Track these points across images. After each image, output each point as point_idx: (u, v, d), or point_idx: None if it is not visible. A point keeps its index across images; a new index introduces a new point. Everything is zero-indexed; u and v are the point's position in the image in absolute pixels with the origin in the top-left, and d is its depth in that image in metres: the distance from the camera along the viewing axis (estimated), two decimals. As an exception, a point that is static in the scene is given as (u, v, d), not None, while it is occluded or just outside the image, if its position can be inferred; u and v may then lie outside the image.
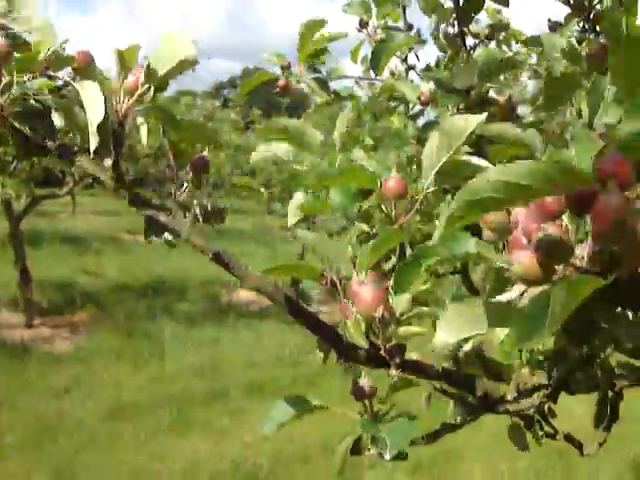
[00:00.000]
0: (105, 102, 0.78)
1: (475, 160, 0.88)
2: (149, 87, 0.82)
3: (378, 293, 0.80)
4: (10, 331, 6.57)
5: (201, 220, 0.88)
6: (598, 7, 1.42)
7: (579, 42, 1.37)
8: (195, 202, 0.87)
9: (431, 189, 0.90)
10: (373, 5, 1.81)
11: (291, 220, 1.15)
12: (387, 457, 0.81)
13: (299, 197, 1.11)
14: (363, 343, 0.82)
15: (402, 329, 0.82)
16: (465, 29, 1.50)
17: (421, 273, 0.72)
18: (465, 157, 0.89)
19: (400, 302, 0.81)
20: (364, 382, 0.95)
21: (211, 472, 3.83)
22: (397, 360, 0.85)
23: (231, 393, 5.09)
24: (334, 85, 1.75)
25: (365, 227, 1.06)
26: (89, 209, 16.74)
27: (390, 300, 0.80)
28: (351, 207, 1.05)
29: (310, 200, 1.08)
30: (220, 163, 12.98)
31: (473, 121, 0.85)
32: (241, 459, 4.02)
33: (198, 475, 3.81)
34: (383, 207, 0.99)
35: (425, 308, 0.83)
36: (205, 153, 0.90)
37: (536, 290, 0.54)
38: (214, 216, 0.90)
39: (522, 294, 0.58)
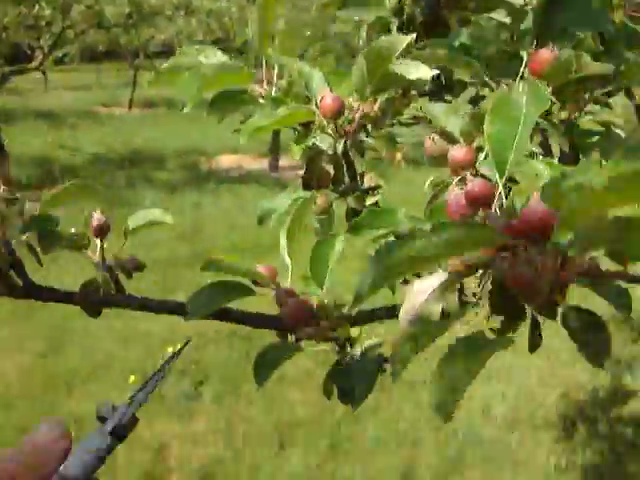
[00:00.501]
0: None
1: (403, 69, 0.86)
2: None
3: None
4: (-8, 208, 6.60)
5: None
6: None
7: None
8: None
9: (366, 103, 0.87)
10: None
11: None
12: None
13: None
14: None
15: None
16: None
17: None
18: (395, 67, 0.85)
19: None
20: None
21: (195, 330, 3.99)
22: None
23: (214, 254, 5.21)
24: None
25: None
26: (61, 85, 16.38)
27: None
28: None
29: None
30: (192, 31, 12.66)
31: (402, 41, 0.82)
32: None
33: (184, 332, 3.97)
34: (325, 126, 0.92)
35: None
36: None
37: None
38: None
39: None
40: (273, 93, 0.91)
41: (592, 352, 0.58)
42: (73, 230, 0.82)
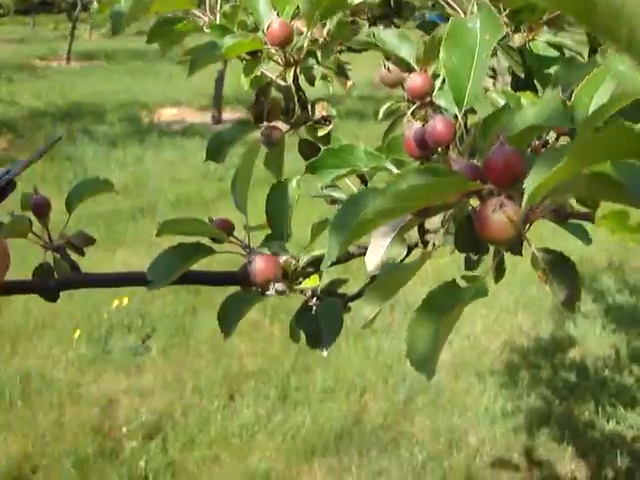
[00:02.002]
0: None
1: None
2: None
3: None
4: None
5: None
6: None
7: None
8: None
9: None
10: None
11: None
12: (324, 353, 0.76)
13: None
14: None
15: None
16: None
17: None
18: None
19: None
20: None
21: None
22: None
23: (158, 208, 5.14)
24: None
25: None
26: (-6, 37, 15.87)
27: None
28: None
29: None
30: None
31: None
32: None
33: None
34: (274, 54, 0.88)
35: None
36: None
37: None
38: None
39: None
40: (217, 21, 0.87)
41: (565, 296, 0.57)
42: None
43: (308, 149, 0.92)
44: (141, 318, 3.57)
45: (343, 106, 7.90)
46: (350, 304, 0.81)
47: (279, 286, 0.72)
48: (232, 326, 0.75)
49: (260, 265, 0.69)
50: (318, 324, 0.75)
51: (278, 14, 0.79)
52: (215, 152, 0.90)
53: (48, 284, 0.77)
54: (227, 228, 0.77)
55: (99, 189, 0.82)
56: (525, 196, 0.39)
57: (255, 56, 0.81)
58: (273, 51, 0.80)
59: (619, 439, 2.85)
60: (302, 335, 0.77)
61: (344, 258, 0.80)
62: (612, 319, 3.76)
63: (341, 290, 0.81)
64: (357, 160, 0.67)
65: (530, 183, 0.39)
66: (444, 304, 0.50)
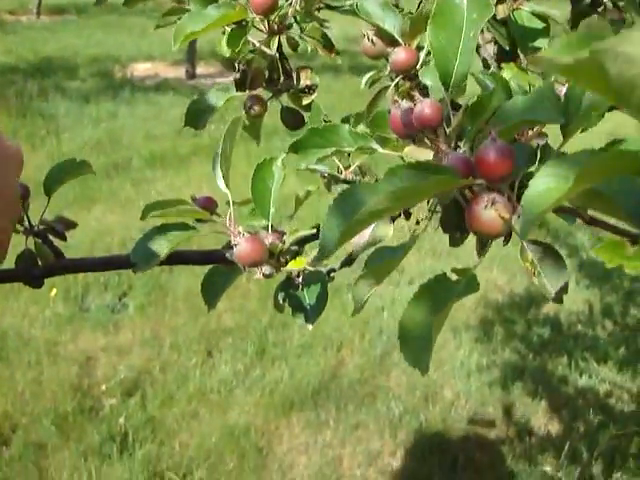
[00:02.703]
0: None
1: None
2: None
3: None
4: None
5: None
6: None
7: None
8: None
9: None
10: None
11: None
12: (310, 327, 0.77)
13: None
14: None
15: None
16: None
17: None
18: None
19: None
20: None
21: (120, 239, 3.92)
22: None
23: (133, 164, 5.09)
24: None
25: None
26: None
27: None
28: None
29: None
30: None
31: None
32: (149, 226, 4.10)
33: (108, 242, 3.90)
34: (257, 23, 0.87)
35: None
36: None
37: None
38: None
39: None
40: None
41: (554, 289, 0.58)
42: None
43: (291, 117, 0.91)
44: (117, 275, 3.56)
45: (318, 61, 7.82)
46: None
47: (266, 269, 0.72)
48: (216, 298, 0.75)
49: (246, 247, 0.69)
50: (304, 298, 0.76)
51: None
52: (195, 118, 0.89)
53: (33, 272, 0.76)
54: (210, 206, 0.77)
55: (78, 171, 0.81)
56: (526, 213, 0.40)
57: (239, 25, 0.80)
58: (257, 19, 0.79)
59: (591, 393, 2.91)
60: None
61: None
62: (585, 275, 3.81)
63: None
64: (342, 140, 0.67)
65: (533, 204, 0.39)
66: (436, 299, 0.51)
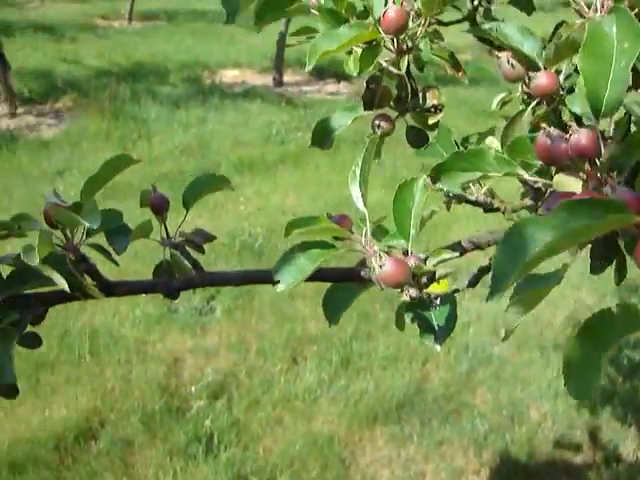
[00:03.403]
0: None
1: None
2: None
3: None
4: (-5, 121, 6.53)
5: None
6: None
7: None
8: None
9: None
10: None
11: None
12: (438, 348, 0.76)
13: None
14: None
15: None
16: None
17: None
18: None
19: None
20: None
21: (209, 244, 3.97)
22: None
23: (221, 169, 5.17)
24: None
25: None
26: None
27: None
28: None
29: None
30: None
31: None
32: (237, 230, 4.16)
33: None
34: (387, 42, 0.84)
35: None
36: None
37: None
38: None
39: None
40: (322, 1, 0.85)
41: None
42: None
43: (416, 136, 0.91)
44: (206, 279, 3.60)
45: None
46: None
47: (413, 292, 0.71)
48: (338, 314, 0.75)
49: (392, 269, 0.68)
50: (431, 319, 0.75)
51: (395, 1, 0.77)
52: (321, 138, 0.89)
53: (171, 285, 0.77)
54: (346, 224, 0.77)
55: (216, 186, 0.82)
56: None
57: (369, 44, 0.80)
58: (386, 38, 0.78)
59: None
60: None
61: (460, 253, 0.79)
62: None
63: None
64: (487, 165, 0.66)
65: None
66: (600, 336, 0.52)
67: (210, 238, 0.82)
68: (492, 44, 0.85)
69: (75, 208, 0.67)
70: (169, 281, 0.77)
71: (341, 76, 8.41)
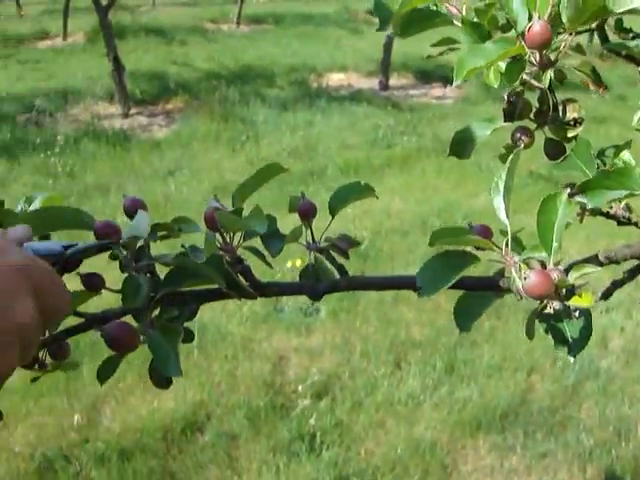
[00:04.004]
0: None
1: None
2: None
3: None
4: (109, 121, 6.79)
5: None
6: None
7: None
8: None
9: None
10: None
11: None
12: (572, 359, 0.74)
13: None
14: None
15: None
16: None
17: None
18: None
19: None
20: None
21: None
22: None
23: (327, 172, 5.23)
24: None
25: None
26: (169, 1, 16.49)
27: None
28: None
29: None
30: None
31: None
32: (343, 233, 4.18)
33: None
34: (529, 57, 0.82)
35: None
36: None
37: None
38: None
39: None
40: (464, 12, 0.86)
41: None
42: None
43: (554, 149, 0.90)
44: (312, 280, 3.65)
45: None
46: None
47: (557, 304, 0.71)
48: (470, 322, 0.75)
49: (537, 281, 0.69)
50: (564, 330, 0.74)
51: (539, 16, 0.77)
52: (460, 147, 0.89)
53: (318, 288, 0.78)
54: (487, 235, 0.77)
55: (363, 194, 0.83)
56: None
57: (514, 59, 0.80)
58: (529, 52, 0.79)
59: None
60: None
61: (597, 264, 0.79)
62: None
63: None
64: (634, 184, 0.66)
65: None
66: None
67: (354, 244, 0.83)
68: (633, 59, 0.84)
69: (236, 213, 0.70)
70: (316, 284, 0.78)
71: (447, 80, 8.36)
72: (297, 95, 7.58)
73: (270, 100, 7.29)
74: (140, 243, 0.73)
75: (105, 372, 0.69)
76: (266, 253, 0.77)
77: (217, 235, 0.71)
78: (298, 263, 3.57)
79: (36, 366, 0.75)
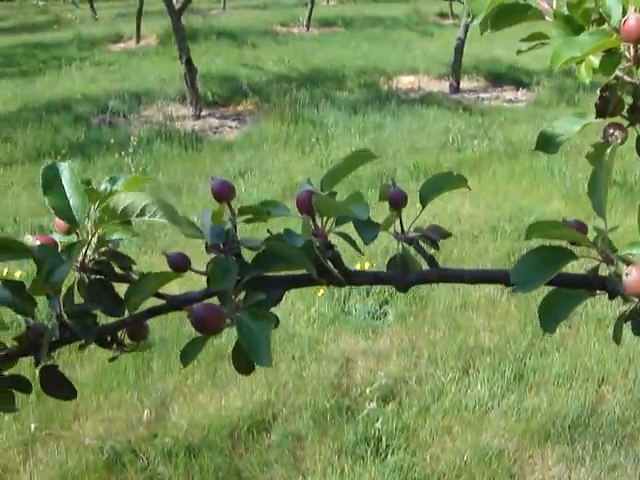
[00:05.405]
0: None
1: None
2: None
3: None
4: (181, 122, 6.90)
5: None
6: None
7: None
8: None
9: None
10: None
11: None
12: None
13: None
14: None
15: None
16: None
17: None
18: None
19: None
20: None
21: (383, 247, 4.01)
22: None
23: (397, 175, 5.20)
24: None
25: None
26: (239, 4, 16.68)
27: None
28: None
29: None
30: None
31: None
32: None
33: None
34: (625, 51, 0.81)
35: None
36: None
37: None
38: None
39: None
40: (554, 5, 0.85)
41: None
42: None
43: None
44: (380, 283, 3.64)
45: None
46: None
47: None
48: (556, 322, 0.73)
49: (637, 277, 0.67)
50: None
51: (636, 9, 0.76)
52: (548, 142, 0.88)
53: (408, 278, 0.76)
54: (582, 230, 0.76)
55: (454, 184, 0.81)
56: None
57: (609, 52, 0.79)
58: (624, 47, 0.77)
59: None
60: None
61: None
62: None
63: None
64: None
65: None
66: None
67: (446, 235, 0.80)
68: None
69: (331, 197, 0.69)
70: (405, 274, 0.77)
71: (519, 83, 8.24)
72: (367, 98, 7.58)
73: (340, 103, 7.31)
74: (228, 226, 0.73)
75: (189, 353, 0.68)
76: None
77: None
78: (367, 266, 3.57)
79: (114, 345, 0.75)
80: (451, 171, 0.83)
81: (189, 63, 6.98)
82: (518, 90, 8.05)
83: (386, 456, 2.59)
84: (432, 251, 0.79)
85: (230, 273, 0.68)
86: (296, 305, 3.47)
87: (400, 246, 0.78)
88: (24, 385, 0.68)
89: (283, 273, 0.73)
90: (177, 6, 7.10)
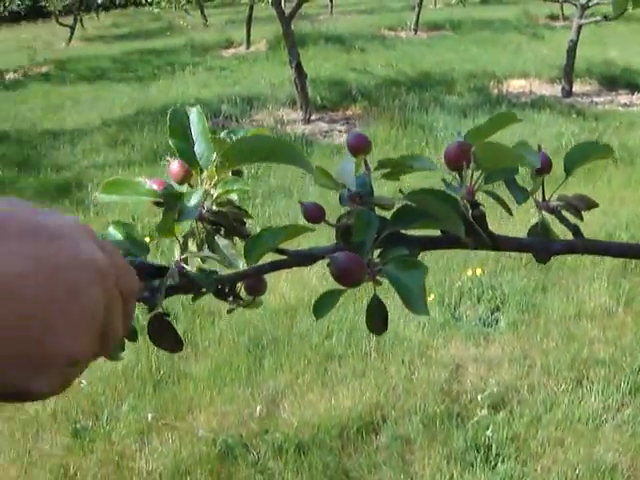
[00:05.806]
0: None
1: None
2: None
3: None
4: (291, 126, 7.01)
5: None
6: None
7: None
8: None
9: None
10: None
11: None
12: None
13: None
14: None
15: None
16: None
17: None
18: None
19: None
20: None
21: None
22: None
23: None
24: None
25: None
26: (347, 9, 16.78)
27: None
28: None
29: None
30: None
31: None
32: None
33: (481, 255, 3.98)
34: None
35: None
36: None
37: None
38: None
39: None
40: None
41: None
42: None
43: None
44: (491, 290, 3.62)
45: None
46: None
47: None
48: None
49: None
50: None
51: None
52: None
53: (552, 247, 0.72)
54: None
55: (599, 154, 0.75)
56: None
57: None
58: None
59: None
60: None
61: None
62: None
63: None
64: None
65: None
66: None
67: (593, 205, 0.74)
68: None
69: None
70: (550, 243, 0.72)
71: (635, 86, 7.98)
72: (477, 101, 7.49)
73: (449, 106, 7.25)
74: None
75: (324, 306, 0.65)
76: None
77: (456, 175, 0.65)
78: (478, 272, 3.56)
79: (231, 298, 0.73)
80: (596, 140, 0.81)
81: (299, 68, 7.07)
82: (633, 94, 7.80)
83: (496, 464, 2.57)
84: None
85: (372, 226, 0.65)
86: (406, 309, 3.48)
87: (541, 215, 0.74)
88: (130, 334, 0.64)
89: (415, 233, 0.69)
90: (287, 12, 7.22)
